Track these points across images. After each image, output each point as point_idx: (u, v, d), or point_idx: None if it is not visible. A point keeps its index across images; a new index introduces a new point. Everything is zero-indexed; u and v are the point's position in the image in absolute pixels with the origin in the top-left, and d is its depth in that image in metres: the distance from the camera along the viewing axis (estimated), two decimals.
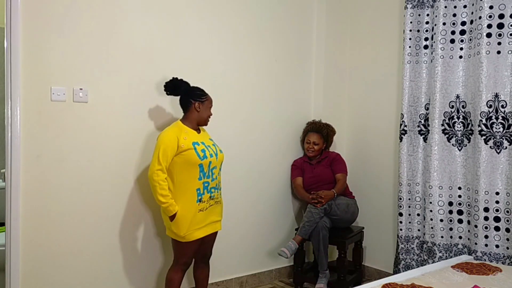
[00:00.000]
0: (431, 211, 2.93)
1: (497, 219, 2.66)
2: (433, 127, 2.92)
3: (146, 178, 2.68)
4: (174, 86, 2.54)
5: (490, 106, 2.66)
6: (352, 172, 3.56)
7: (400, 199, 3.11)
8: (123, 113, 2.70)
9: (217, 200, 2.57)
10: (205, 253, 2.65)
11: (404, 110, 3.07)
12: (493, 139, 2.67)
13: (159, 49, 2.82)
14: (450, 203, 2.91)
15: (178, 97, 2.58)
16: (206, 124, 2.62)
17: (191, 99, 2.52)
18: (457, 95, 2.87)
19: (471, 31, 2.79)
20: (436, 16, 2.90)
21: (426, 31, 3.01)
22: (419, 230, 3.07)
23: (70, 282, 2.57)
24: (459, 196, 2.88)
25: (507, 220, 2.64)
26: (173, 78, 2.55)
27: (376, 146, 3.52)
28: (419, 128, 3.05)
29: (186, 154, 2.39)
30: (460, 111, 2.87)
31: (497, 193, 2.66)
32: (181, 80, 2.56)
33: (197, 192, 2.42)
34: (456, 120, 2.88)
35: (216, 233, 2.65)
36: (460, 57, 2.85)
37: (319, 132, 3.38)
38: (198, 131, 2.57)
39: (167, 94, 2.58)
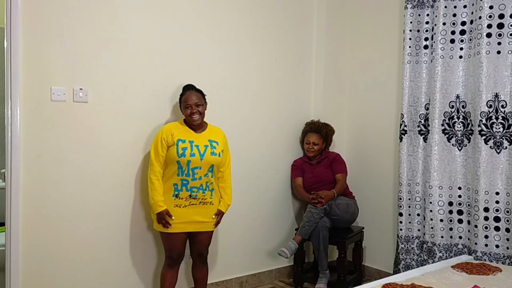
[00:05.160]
0: (431, 211, 2.92)
1: (497, 219, 2.66)
2: (433, 127, 2.92)
3: (145, 177, 2.69)
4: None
5: (490, 106, 2.66)
6: (352, 172, 3.56)
7: (400, 199, 3.11)
8: (123, 113, 2.70)
9: (204, 201, 2.54)
10: (200, 253, 2.66)
11: (404, 110, 3.07)
12: (493, 139, 2.67)
13: (159, 49, 2.82)
14: (450, 203, 2.91)
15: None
16: (193, 122, 2.58)
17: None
18: (457, 95, 2.87)
19: (471, 31, 2.79)
20: (436, 16, 2.90)
21: (426, 31, 3.01)
22: (419, 230, 3.07)
23: (70, 282, 2.57)
24: (459, 196, 2.88)
25: (507, 220, 2.63)
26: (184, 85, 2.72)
27: (376, 146, 3.52)
28: (419, 128, 3.05)
29: (170, 149, 2.50)
30: (460, 111, 2.87)
31: (497, 193, 2.66)
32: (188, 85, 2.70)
33: (174, 186, 2.49)
34: (456, 120, 2.88)
35: (208, 233, 2.63)
36: (460, 57, 2.85)
37: (318, 132, 3.38)
38: (198, 131, 2.59)
39: None
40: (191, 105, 2.56)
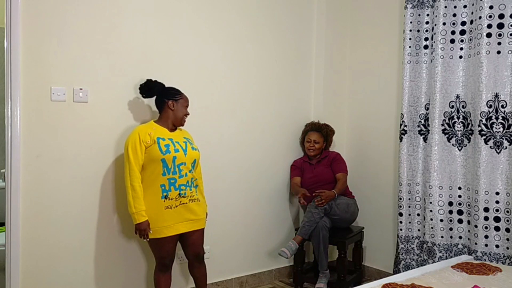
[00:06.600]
0: (431, 211, 2.93)
1: (497, 219, 2.66)
2: (433, 127, 2.92)
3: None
4: (148, 88, 2.57)
5: (490, 106, 2.66)
6: (352, 172, 3.56)
7: (400, 199, 3.11)
8: (123, 113, 2.70)
9: (192, 198, 2.50)
10: (197, 254, 2.59)
11: (404, 110, 3.07)
12: (493, 139, 2.67)
13: (158, 49, 2.82)
14: (450, 203, 2.91)
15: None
16: (182, 124, 2.58)
17: (165, 98, 2.53)
18: (457, 95, 2.87)
19: (471, 31, 2.79)
20: (436, 16, 2.90)
21: (426, 31, 3.01)
22: (419, 230, 3.07)
23: (70, 282, 2.57)
24: (459, 196, 2.88)
25: (507, 220, 2.64)
26: (147, 79, 2.58)
27: (376, 146, 3.52)
28: (419, 128, 3.05)
29: (150, 149, 2.39)
30: (460, 111, 2.87)
31: (497, 193, 2.66)
32: (155, 81, 2.59)
33: (162, 188, 2.40)
34: (456, 120, 2.88)
35: (201, 231, 2.58)
36: (460, 57, 2.85)
37: (319, 131, 3.38)
38: (172, 130, 2.55)
39: (143, 96, 2.62)
40: (187, 107, 2.59)
